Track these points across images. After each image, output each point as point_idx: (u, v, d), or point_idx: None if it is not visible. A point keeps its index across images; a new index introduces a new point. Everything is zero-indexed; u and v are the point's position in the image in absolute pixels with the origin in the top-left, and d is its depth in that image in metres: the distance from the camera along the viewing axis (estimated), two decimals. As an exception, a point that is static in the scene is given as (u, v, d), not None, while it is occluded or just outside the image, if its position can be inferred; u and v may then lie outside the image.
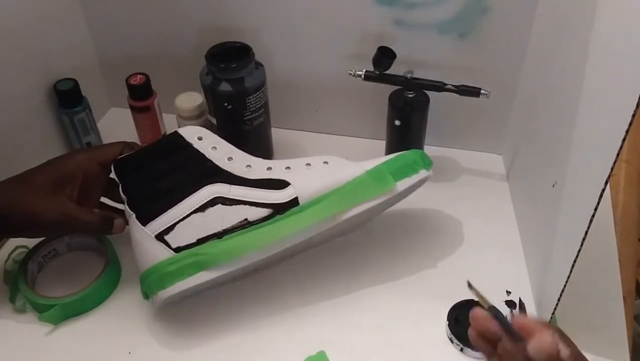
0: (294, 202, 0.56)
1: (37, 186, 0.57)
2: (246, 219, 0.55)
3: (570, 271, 0.50)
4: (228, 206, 0.55)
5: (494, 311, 0.44)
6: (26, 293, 0.59)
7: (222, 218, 0.55)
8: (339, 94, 0.79)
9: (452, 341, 0.57)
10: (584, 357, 0.42)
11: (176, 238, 0.54)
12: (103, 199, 0.64)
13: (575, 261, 0.49)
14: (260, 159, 0.60)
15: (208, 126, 0.72)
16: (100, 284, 0.61)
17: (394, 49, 0.67)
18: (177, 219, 0.55)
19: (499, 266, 0.65)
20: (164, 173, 0.58)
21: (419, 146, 0.74)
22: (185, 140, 0.59)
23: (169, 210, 0.55)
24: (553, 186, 0.57)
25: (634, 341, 0.69)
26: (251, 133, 0.72)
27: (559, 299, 0.53)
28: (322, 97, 0.80)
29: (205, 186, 0.56)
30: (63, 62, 0.77)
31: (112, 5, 0.78)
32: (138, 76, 0.75)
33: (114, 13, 0.79)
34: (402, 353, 0.57)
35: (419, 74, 0.69)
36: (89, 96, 0.76)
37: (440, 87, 0.68)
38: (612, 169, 0.43)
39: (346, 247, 0.67)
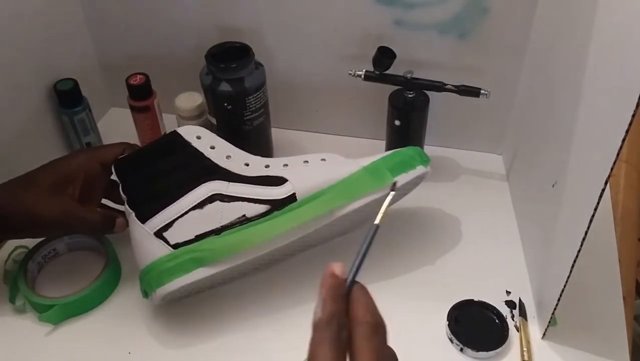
0: (292, 198, 0.56)
1: (38, 187, 0.57)
2: (244, 216, 0.55)
3: (570, 271, 0.50)
4: (226, 203, 0.55)
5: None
6: (26, 293, 0.59)
7: (221, 214, 0.55)
8: (339, 94, 0.79)
9: (452, 341, 0.57)
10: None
11: (175, 235, 0.55)
12: (104, 201, 0.64)
13: (575, 261, 0.49)
14: (258, 157, 0.60)
15: (208, 126, 0.72)
16: (100, 284, 0.61)
17: (394, 49, 0.67)
18: (175, 216, 0.55)
19: (498, 266, 0.65)
20: (163, 172, 0.58)
21: (419, 146, 0.74)
22: (184, 139, 0.59)
23: (168, 207, 0.55)
24: (553, 186, 0.57)
25: (634, 341, 0.69)
26: (251, 133, 0.72)
27: (559, 300, 0.53)
28: (322, 97, 0.80)
29: (204, 184, 0.56)
30: (63, 62, 0.77)
31: (112, 6, 0.78)
32: (138, 76, 0.75)
33: (114, 13, 0.79)
34: (401, 353, 0.56)
35: (419, 74, 0.69)
36: (89, 96, 0.76)
37: (440, 87, 0.68)
38: (612, 169, 0.43)
39: (346, 247, 0.67)
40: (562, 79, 0.57)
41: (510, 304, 0.61)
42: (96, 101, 0.80)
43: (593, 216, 0.46)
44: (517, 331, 0.58)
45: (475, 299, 0.60)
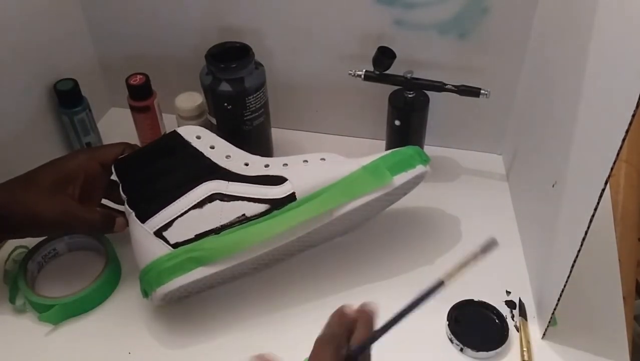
0: (291, 197, 0.56)
1: (38, 187, 0.57)
2: (244, 215, 0.55)
3: (570, 271, 0.50)
4: (226, 202, 0.55)
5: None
6: (26, 293, 0.59)
7: (220, 213, 0.55)
8: (339, 94, 0.79)
9: (452, 341, 0.57)
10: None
11: (174, 234, 0.55)
12: (104, 201, 0.64)
13: (575, 261, 0.49)
14: (258, 157, 0.60)
15: (208, 126, 0.72)
16: (100, 284, 0.61)
17: (394, 49, 0.67)
18: (175, 216, 0.55)
19: (498, 266, 0.65)
20: (163, 172, 0.58)
21: (419, 146, 0.74)
22: (183, 139, 0.59)
23: (168, 207, 0.56)
24: (553, 186, 0.57)
25: (634, 341, 0.69)
26: (251, 133, 0.72)
27: (559, 300, 0.53)
28: (322, 97, 0.80)
29: (203, 183, 0.56)
30: (63, 63, 0.77)
31: (112, 6, 0.78)
32: (138, 76, 0.75)
33: (114, 13, 0.79)
34: (401, 353, 0.57)
35: (419, 74, 0.69)
36: (89, 96, 0.76)
37: (440, 87, 0.68)
38: (612, 169, 0.43)
39: (346, 246, 0.67)
40: (562, 79, 0.57)
41: (510, 304, 0.61)
42: (96, 101, 0.80)
43: (593, 216, 0.46)
44: (517, 331, 0.58)
45: (475, 299, 0.60)
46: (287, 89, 0.80)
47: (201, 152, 0.59)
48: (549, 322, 0.56)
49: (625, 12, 0.43)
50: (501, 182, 0.76)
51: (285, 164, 0.59)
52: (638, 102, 0.39)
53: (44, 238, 0.64)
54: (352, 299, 0.61)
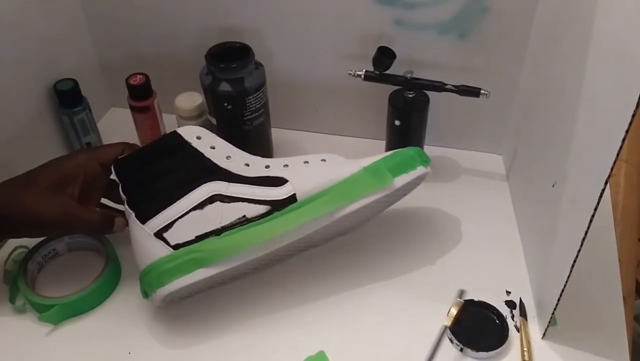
0: (292, 199, 0.56)
1: (38, 186, 0.57)
2: (244, 216, 0.55)
3: (570, 271, 0.50)
4: (226, 203, 0.55)
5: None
6: (26, 293, 0.59)
7: (221, 215, 0.55)
8: (339, 94, 0.79)
9: (452, 341, 0.57)
10: None
11: (175, 235, 0.55)
12: (104, 201, 0.64)
13: (575, 261, 0.49)
14: (258, 158, 0.60)
15: (208, 126, 0.72)
16: (100, 284, 0.61)
17: (394, 49, 0.67)
18: (175, 217, 0.55)
19: (498, 266, 0.65)
20: (163, 172, 0.58)
21: (419, 146, 0.74)
22: (184, 139, 0.59)
23: (168, 208, 0.55)
24: (553, 186, 0.57)
25: (634, 341, 0.69)
26: (251, 133, 0.72)
27: (559, 300, 0.53)
28: (322, 97, 0.80)
29: (204, 184, 0.56)
30: (63, 62, 0.77)
31: (112, 6, 0.78)
32: (138, 76, 0.75)
33: (114, 13, 0.79)
34: (402, 353, 0.57)
35: (419, 74, 0.69)
36: (89, 96, 0.76)
37: (440, 87, 0.68)
38: (612, 169, 0.43)
39: (346, 247, 0.67)
40: (562, 79, 0.57)
41: (510, 304, 0.61)
42: (96, 101, 0.80)
43: (593, 216, 0.46)
44: (518, 331, 0.58)
45: (475, 299, 0.60)
46: (287, 89, 0.80)
47: (201, 152, 0.58)
48: (549, 322, 0.56)
49: (625, 12, 0.43)
50: (501, 182, 0.76)
51: (286, 165, 0.59)
52: (638, 102, 0.39)
53: (44, 238, 0.64)
54: (352, 299, 0.62)
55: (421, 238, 0.68)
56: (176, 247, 0.54)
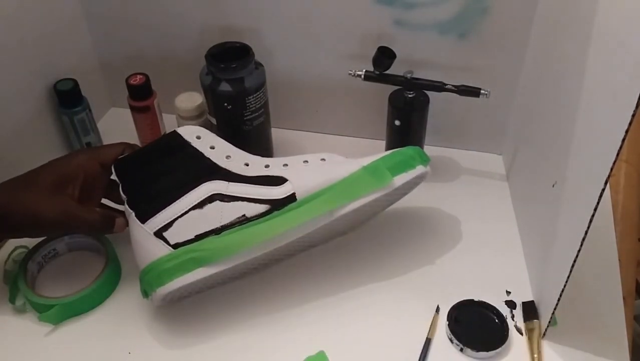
0: (292, 198, 0.56)
1: (38, 187, 0.57)
2: (244, 215, 0.55)
3: (570, 271, 0.50)
4: (226, 203, 0.55)
5: None
6: (26, 293, 0.59)
7: (220, 214, 0.55)
8: (339, 94, 0.79)
9: (452, 341, 0.57)
10: None
11: (175, 235, 0.55)
12: (104, 201, 0.64)
13: (575, 261, 0.49)
14: (258, 157, 0.60)
15: (208, 126, 0.72)
16: (100, 284, 0.61)
17: (394, 49, 0.67)
18: (175, 216, 0.55)
19: (498, 266, 0.65)
20: (163, 172, 0.58)
21: (419, 146, 0.74)
22: (183, 139, 0.59)
23: (168, 207, 0.55)
24: (553, 186, 0.57)
25: (634, 341, 0.69)
26: (251, 133, 0.72)
27: (559, 300, 0.53)
28: (322, 97, 0.80)
29: (204, 183, 0.56)
30: (63, 62, 0.77)
31: (112, 6, 0.78)
32: (138, 76, 0.75)
33: (114, 13, 0.79)
34: (402, 353, 0.57)
35: (419, 74, 0.69)
36: (89, 96, 0.76)
37: (440, 87, 0.68)
38: (612, 169, 0.43)
39: (346, 247, 0.67)
40: (562, 79, 0.57)
41: (510, 304, 0.61)
42: (96, 101, 0.80)
43: (593, 216, 0.46)
44: (518, 331, 0.58)
45: (475, 299, 0.60)
46: (287, 89, 0.80)
47: (201, 152, 0.58)
48: (549, 322, 0.56)
49: (625, 11, 0.43)
50: (501, 182, 0.76)
51: (286, 165, 0.59)
52: (638, 102, 0.39)
53: (44, 238, 0.64)
54: (352, 299, 0.62)
55: (421, 238, 0.68)
56: (176, 246, 0.54)
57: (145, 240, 0.55)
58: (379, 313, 0.60)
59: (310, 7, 0.72)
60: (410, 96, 0.70)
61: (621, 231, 0.73)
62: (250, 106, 0.70)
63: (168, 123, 0.80)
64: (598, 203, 0.45)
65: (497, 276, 0.63)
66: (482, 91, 0.67)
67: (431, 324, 0.58)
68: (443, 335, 0.58)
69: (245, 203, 0.56)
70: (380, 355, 0.57)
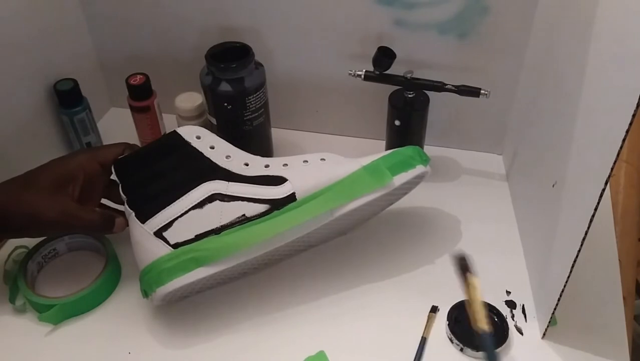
0: (292, 198, 0.56)
1: (38, 186, 0.57)
2: (244, 215, 0.55)
3: (570, 271, 0.50)
4: (226, 203, 0.55)
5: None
6: (26, 293, 0.59)
7: (220, 214, 0.55)
8: (339, 94, 0.79)
9: (452, 341, 0.57)
10: None
11: (174, 234, 0.55)
12: (104, 201, 0.64)
13: (575, 261, 0.49)
14: (258, 157, 0.60)
15: (208, 126, 0.72)
16: (100, 284, 0.61)
17: (394, 49, 0.67)
18: (175, 216, 0.55)
19: (498, 266, 0.65)
20: (162, 172, 0.58)
21: (419, 146, 0.74)
22: (183, 139, 0.59)
23: (168, 207, 0.56)
24: (553, 186, 0.57)
25: (634, 341, 0.69)
26: (251, 133, 0.72)
27: (559, 299, 0.53)
28: (322, 97, 0.80)
29: (203, 183, 0.56)
30: (63, 62, 0.77)
31: (112, 6, 0.78)
32: (138, 76, 0.75)
33: (114, 13, 0.79)
34: (401, 353, 0.57)
35: (419, 74, 0.69)
36: (89, 96, 0.76)
37: (440, 87, 0.68)
38: (612, 169, 0.43)
39: (346, 247, 0.67)
40: (562, 79, 0.57)
41: (510, 304, 0.61)
42: (96, 101, 0.80)
43: (593, 216, 0.46)
44: (518, 331, 0.58)
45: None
46: (287, 89, 0.80)
47: (201, 152, 0.59)
48: (549, 322, 0.56)
49: (625, 11, 0.43)
50: (501, 182, 0.76)
51: (285, 165, 0.59)
52: (638, 102, 0.39)
53: (44, 238, 0.64)
54: (352, 299, 0.62)
55: (421, 238, 0.68)
56: (176, 246, 0.54)
57: (145, 240, 0.55)
58: (379, 313, 0.60)
59: (311, 7, 0.72)
60: (410, 96, 0.70)
61: (621, 231, 0.73)
62: (250, 106, 0.70)
63: (168, 123, 0.80)
64: (598, 203, 0.45)
65: (497, 276, 0.63)
66: (482, 91, 0.67)
67: (426, 323, 0.58)
68: (443, 335, 0.58)
69: (245, 202, 0.56)
70: (380, 354, 0.57)
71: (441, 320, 0.59)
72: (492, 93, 0.67)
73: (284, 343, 0.58)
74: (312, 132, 0.84)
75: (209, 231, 0.55)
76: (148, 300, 0.56)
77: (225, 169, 0.58)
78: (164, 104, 0.78)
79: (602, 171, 0.44)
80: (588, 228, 0.47)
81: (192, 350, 0.57)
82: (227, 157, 0.59)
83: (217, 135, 0.61)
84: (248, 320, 0.60)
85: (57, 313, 0.58)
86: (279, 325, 0.59)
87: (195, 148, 0.59)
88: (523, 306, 0.60)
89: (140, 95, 0.75)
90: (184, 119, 0.75)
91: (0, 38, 0.67)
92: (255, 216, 0.56)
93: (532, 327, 0.59)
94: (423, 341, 0.57)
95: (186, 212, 0.55)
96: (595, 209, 0.46)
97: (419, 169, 0.60)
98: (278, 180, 0.57)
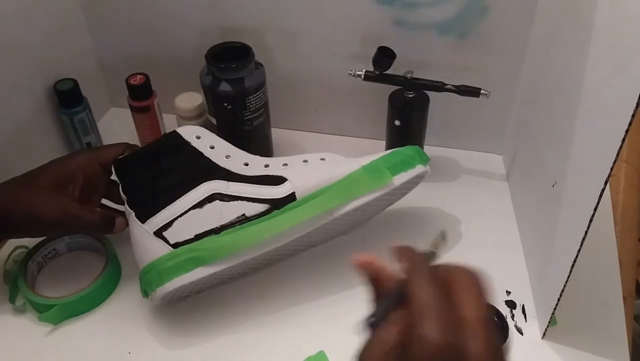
0: (291, 197, 0.56)
1: (38, 186, 0.57)
2: (244, 215, 0.55)
3: (570, 271, 0.50)
4: (226, 202, 0.55)
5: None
6: (26, 293, 0.59)
7: (220, 213, 0.55)
8: (339, 94, 0.79)
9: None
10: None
11: (174, 234, 0.55)
12: (104, 201, 0.64)
13: (575, 261, 0.49)
14: (257, 157, 0.60)
15: (208, 126, 0.72)
16: (100, 284, 0.61)
17: (394, 49, 0.67)
18: (175, 216, 0.55)
19: (498, 266, 0.65)
20: (162, 172, 0.58)
21: (419, 146, 0.74)
22: (183, 139, 0.59)
23: (168, 207, 0.56)
24: (553, 186, 0.57)
25: (634, 341, 0.69)
26: (251, 133, 0.72)
27: (559, 299, 0.53)
28: (322, 97, 0.80)
29: (203, 183, 0.56)
30: (63, 62, 0.77)
31: (112, 6, 0.78)
32: (138, 76, 0.75)
33: (114, 13, 0.79)
34: (402, 353, 0.56)
35: (419, 74, 0.69)
36: (89, 96, 0.76)
37: (440, 87, 0.68)
38: (612, 169, 0.43)
39: (346, 246, 0.67)
40: (562, 79, 0.57)
41: (510, 304, 0.61)
42: (96, 101, 0.80)
43: (593, 216, 0.46)
44: (518, 331, 0.58)
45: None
46: (287, 89, 0.80)
47: (201, 152, 0.59)
48: (549, 322, 0.56)
49: (625, 11, 0.43)
50: (501, 182, 0.76)
51: (285, 164, 0.59)
52: (638, 102, 0.39)
53: (44, 238, 0.64)
54: (353, 299, 0.61)
55: (421, 238, 0.68)
56: (176, 246, 0.54)
57: (145, 240, 0.55)
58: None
59: (310, 7, 0.72)
60: (410, 96, 0.70)
61: (621, 231, 0.73)
62: (250, 106, 0.70)
63: (168, 123, 0.80)
64: (598, 203, 0.45)
65: (497, 276, 0.63)
66: (482, 91, 0.67)
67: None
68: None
69: (245, 202, 0.56)
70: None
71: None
72: (492, 93, 0.67)
73: (284, 343, 0.58)
74: (312, 132, 0.84)
75: (209, 230, 0.55)
76: (148, 300, 0.56)
77: (225, 169, 0.58)
78: (164, 104, 0.78)
79: (602, 171, 0.44)
80: (588, 227, 0.47)
81: (192, 350, 0.57)
82: (227, 157, 0.59)
83: (217, 135, 0.61)
84: (248, 320, 0.60)
85: (57, 313, 0.58)
86: (279, 325, 0.59)
87: (195, 148, 0.59)
88: (523, 306, 0.60)
89: (140, 95, 0.75)
90: (184, 119, 0.75)
91: (0, 38, 0.67)
92: (255, 215, 0.56)
93: (532, 327, 0.59)
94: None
95: (186, 212, 0.55)
96: (595, 209, 0.46)
97: (419, 169, 0.60)
98: (278, 180, 0.57)
